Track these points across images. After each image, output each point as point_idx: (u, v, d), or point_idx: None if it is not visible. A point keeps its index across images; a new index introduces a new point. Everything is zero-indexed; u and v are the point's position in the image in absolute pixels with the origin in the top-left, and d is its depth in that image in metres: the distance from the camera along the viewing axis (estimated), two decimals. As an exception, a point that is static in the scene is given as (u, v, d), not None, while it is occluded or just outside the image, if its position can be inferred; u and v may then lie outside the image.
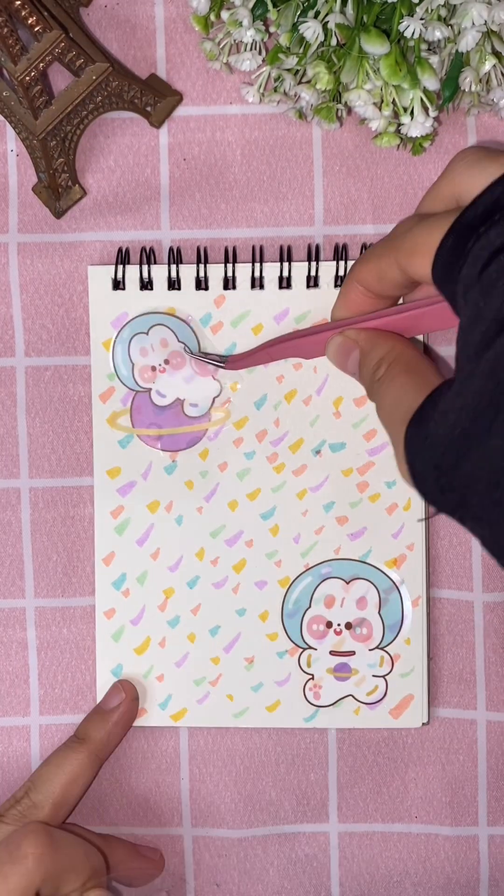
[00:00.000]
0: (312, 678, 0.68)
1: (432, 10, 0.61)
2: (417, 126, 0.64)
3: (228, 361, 0.66)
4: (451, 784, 0.69)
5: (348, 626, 0.68)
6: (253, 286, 0.68)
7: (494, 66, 0.62)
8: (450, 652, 0.69)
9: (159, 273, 0.68)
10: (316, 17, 0.62)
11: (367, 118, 0.64)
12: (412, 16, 0.61)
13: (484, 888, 0.69)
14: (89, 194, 0.69)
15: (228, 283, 0.68)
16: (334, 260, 0.67)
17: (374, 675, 0.68)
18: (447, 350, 0.68)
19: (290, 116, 0.67)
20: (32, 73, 0.62)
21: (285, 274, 0.67)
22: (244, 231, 0.69)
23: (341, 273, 0.67)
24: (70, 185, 0.68)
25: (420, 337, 0.66)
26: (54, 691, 0.70)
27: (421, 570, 0.68)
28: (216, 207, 0.69)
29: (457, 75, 0.63)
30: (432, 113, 0.64)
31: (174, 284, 0.68)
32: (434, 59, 0.63)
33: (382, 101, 0.63)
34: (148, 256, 0.68)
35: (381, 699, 0.68)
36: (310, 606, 0.68)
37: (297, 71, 0.65)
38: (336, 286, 0.67)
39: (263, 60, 0.65)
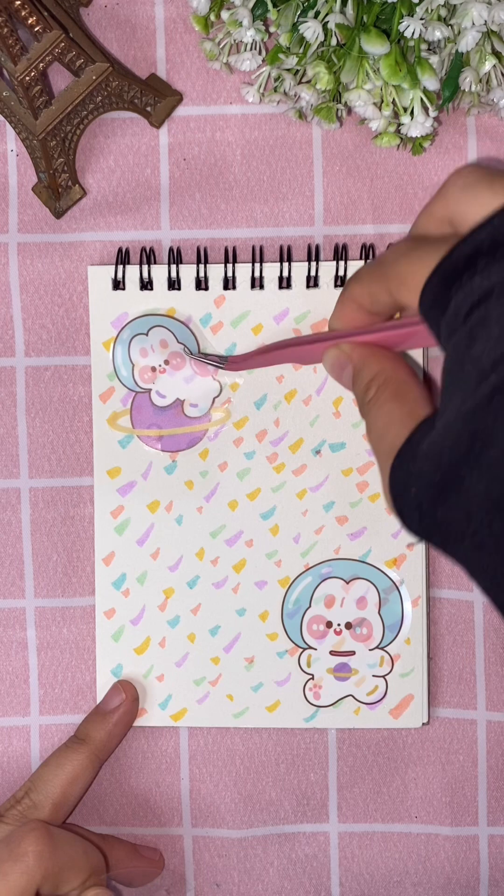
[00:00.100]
0: (312, 678, 0.68)
1: (432, 10, 0.61)
2: (417, 126, 0.64)
3: (228, 363, 0.66)
4: (451, 784, 0.69)
5: (348, 626, 0.68)
6: (253, 286, 0.68)
7: (494, 66, 0.62)
8: (450, 652, 0.69)
9: (159, 273, 0.68)
10: (316, 17, 0.62)
11: (367, 118, 0.64)
12: (412, 16, 0.61)
13: (484, 888, 0.69)
14: (89, 194, 0.69)
15: (228, 284, 0.68)
16: (334, 260, 0.67)
17: (374, 675, 0.68)
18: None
19: (290, 116, 0.67)
20: (32, 73, 0.62)
21: (285, 274, 0.67)
22: (244, 231, 0.69)
23: (341, 273, 0.67)
24: (70, 185, 0.68)
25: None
26: (54, 691, 0.70)
27: (421, 569, 0.68)
28: (216, 207, 0.69)
29: (457, 75, 0.63)
30: (432, 113, 0.64)
31: (174, 284, 0.68)
32: (434, 59, 0.63)
33: (382, 101, 0.63)
34: (148, 256, 0.68)
35: (381, 699, 0.68)
36: (310, 606, 0.68)
37: (297, 71, 0.65)
38: (336, 286, 0.67)
39: (263, 60, 0.65)
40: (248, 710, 0.68)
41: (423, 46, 0.62)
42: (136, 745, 0.69)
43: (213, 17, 0.65)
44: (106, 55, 0.66)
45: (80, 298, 0.69)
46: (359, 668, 0.68)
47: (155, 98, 0.67)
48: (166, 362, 0.68)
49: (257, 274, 0.68)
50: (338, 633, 0.68)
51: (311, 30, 0.61)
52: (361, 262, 0.67)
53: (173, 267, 0.68)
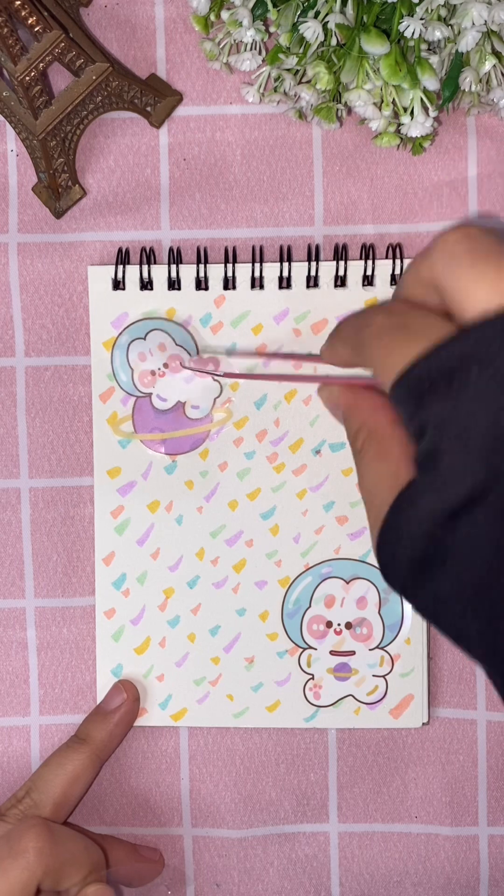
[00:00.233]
0: (312, 678, 0.68)
1: (432, 10, 0.61)
2: (417, 126, 0.64)
3: (224, 375, 0.67)
4: (451, 784, 0.69)
5: (348, 625, 0.68)
6: (253, 286, 0.68)
7: (494, 66, 0.62)
8: (450, 652, 0.69)
9: (159, 273, 0.68)
10: (316, 17, 0.62)
11: (367, 118, 0.64)
12: (412, 16, 0.61)
13: (484, 888, 0.69)
14: (89, 194, 0.69)
15: (228, 283, 0.68)
16: (334, 260, 0.67)
17: (374, 675, 0.68)
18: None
19: (290, 116, 0.67)
20: (32, 73, 0.62)
21: (285, 274, 0.67)
22: (244, 231, 0.69)
23: (341, 273, 0.67)
24: (70, 185, 0.68)
25: None
26: (54, 691, 0.70)
27: (421, 570, 0.68)
28: (216, 207, 0.69)
29: (457, 75, 0.63)
30: (432, 113, 0.64)
31: (174, 284, 0.68)
32: (434, 59, 0.63)
33: (382, 101, 0.63)
34: (148, 256, 0.68)
35: (381, 699, 0.68)
36: (310, 606, 0.68)
37: (297, 71, 0.65)
38: (336, 286, 0.67)
39: (263, 60, 0.65)
40: (248, 709, 0.68)
41: (423, 46, 0.62)
42: (136, 745, 0.69)
43: (213, 17, 0.65)
44: (106, 55, 0.66)
45: (80, 298, 0.69)
46: (359, 668, 0.68)
47: (155, 98, 0.67)
48: (165, 365, 0.68)
49: (257, 274, 0.68)
50: (338, 632, 0.68)
51: (311, 30, 0.61)
52: (361, 263, 0.67)
53: (173, 267, 0.68)
